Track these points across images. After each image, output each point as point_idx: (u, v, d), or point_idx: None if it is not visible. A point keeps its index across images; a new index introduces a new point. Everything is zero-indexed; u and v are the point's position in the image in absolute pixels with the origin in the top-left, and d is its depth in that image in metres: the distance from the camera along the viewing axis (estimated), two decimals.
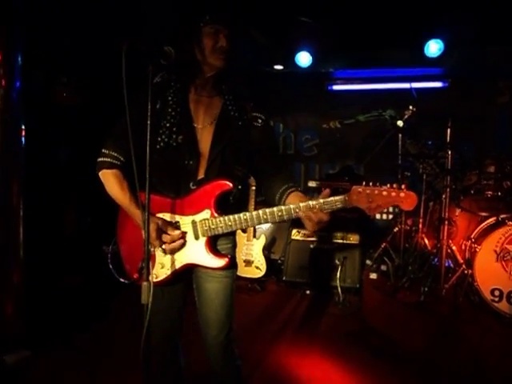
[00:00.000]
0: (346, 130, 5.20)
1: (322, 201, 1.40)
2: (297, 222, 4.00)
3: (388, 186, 1.37)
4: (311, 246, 4.12)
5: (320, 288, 3.93)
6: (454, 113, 3.63)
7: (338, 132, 5.26)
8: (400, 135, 4.01)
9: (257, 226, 4.08)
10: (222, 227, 1.51)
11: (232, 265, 1.58)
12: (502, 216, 3.10)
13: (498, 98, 4.69)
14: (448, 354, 2.75)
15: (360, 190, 1.35)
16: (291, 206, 1.43)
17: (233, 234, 1.61)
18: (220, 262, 1.54)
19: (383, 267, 3.92)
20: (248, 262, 4.06)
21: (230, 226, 1.50)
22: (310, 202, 1.41)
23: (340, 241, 4.04)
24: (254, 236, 4.10)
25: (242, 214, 1.49)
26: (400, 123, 3.94)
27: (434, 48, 4.20)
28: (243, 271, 3.99)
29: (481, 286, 2.96)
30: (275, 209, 1.45)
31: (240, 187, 1.59)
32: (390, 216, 4.77)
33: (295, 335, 3.09)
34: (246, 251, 4.09)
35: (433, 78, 4.82)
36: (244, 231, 4.06)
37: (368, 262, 4.03)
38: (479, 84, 4.68)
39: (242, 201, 1.63)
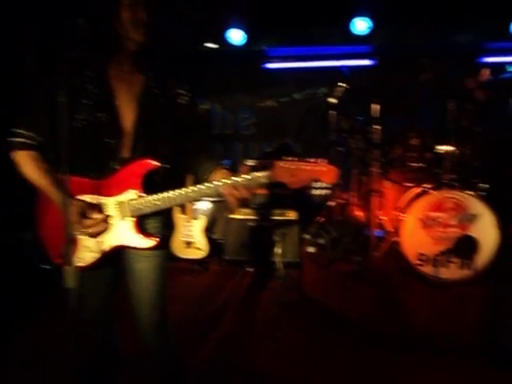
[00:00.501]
0: (283, 109, 5.28)
1: (246, 177, 1.42)
2: None
3: (312, 160, 1.42)
4: (251, 224, 4.18)
5: (261, 264, 4.01)
6: (382, 89, 3.78)
7: (274, 110, 5.33)
8: (333, 112, 4.13)
9: (197, 207, 4.06)
10: (149, 207, 1.49)
11: (162, 245, 1.57)
12: (426, 186, 3.30)
13: (422, 76, 4.93)
14: (382, 317, 2.92)
15: (282, 165, 1.39)
16: (216, 183, 1.44)
17: (162, 213, 1.60)
18: (149, 242, 1.53)
19: (320, 241, 4.07)
20: (188, 244, 4.04)
21: (157, 205, 1.49)
22: (235, 179, 1.43)
23: (279, 217, 4.13)
24: (194, 217, 4.09)
25: (168, 193, 1.48)
26: (332, 100, 4.05)
27: (362, 26, 4.33)
28: (184, 252, 3.98)
29: (408, 252, 3.16)
30: (200, 186, 1.46)
31: (167, 166, 1.57)
32: (326, 191, 4.94)
33: (238, 311, 3.15)
34: (186, 232, 4.07)
35: (362, 56, 4.98)
36: (183, 212, 4.03)
37: (306, 236, 4.16)
38: (405, 62, 4.89)
39: (171, 179, 1.62)
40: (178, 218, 3.94)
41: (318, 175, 1.39)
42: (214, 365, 2.43)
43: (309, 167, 1.39)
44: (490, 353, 2.52)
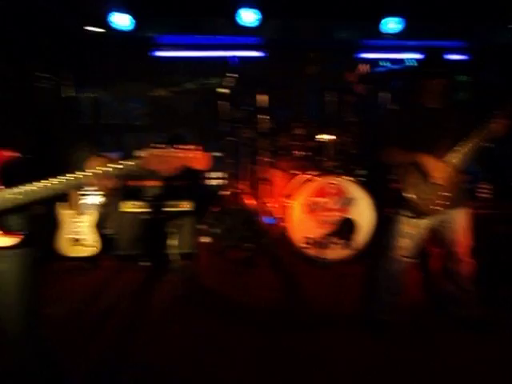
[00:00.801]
0: (174, 98, 5.18)
1: (117, 166, 1.37)
2: (128, 195, 3.89)
3: (186, 147, 1.41)
4: (144, 217, 4.05)
5: (156, 258, 3.93)
6: (271, 81, 3.90)
7: (166, 100, 5.21)
8: (223, 102, 4.16)
9: (85, 202, 3.83)
10: (9, 201, 1.36)
11: (27, 242, 1.45)
12: (310, 173, 3.49)
13: (308, 69, 5.19)
14: (276, 298, 3.04)
15: (153, 152, 1.36)
16: (83, 173, 1.37)
17: (25, 208, 1.47)
18: (11, 240, 1.40)
19: (215, 230, 4.10)
20: (76, 241, 3.81)
21: (19, 199, 1.36)
22: (106, 168, 1.37)
23: (173, 209, 4.07)
24: (82, 212, 3.85)
25: (31, 185, 1.36)
26: (222, 90, 4.08)
27: (250, 17, 4.41)
28: (72, 250, 3.74)
29: (295, 236, 3.32)
30: (67, 176, 1.37)
31: (28, 155, 1.44)
32: (220, 181, 4.99)
33: (132, 307, 3.04)
34: (74, 229, 3.82)
35: (252, 48, 5.08)
36: (70, 208, 3.78)
37: (201, 226, 4.16)
38: (293, 55, 5.11)
39: (36, 171, 1.49)
40: (64, 213, 3.69)
41: (190, 162, 1.39)
42: (106, 363, 2.33)
43: (181, 154, 1.38)
44: (367, 323, 2.77)
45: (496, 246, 3.52)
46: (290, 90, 4.45)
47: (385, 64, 4.98)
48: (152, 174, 1.41)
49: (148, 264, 3.86)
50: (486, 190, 3.60)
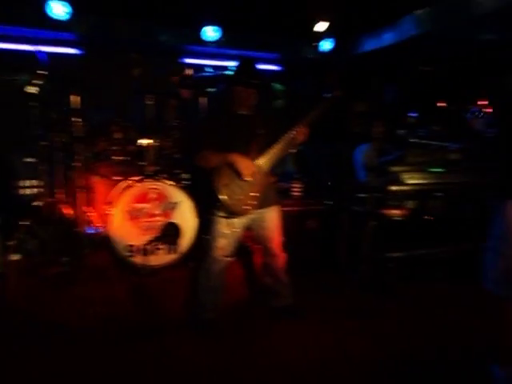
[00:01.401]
0: None
1: None
2: None
3: None
4: None
5: None
6: (87, 81, 3.64)
7: None
8: (34, 103, 3.73)
9: None
10: None
11: None
12: (131, 178, 3.37)
13: (132, 71, 5.04)
14: (95, 314, 2.87)
15: None
16: None
17: None
18: None
19: (27, 246, 3.65)
20: None
21: None
22: None
23: None
24: None
25: None
26: (31, 89, 3.65)
27: (59, 10, 4.06)
28: None
29: (118, 245, 3.17)
30: None
31: None
32: (33, 190, 4.47)
33: None
34: None
35: (66, 43, 4.70)
36: None
37: (10, 242, 3.67)
38: (114, 55, 4.88)
39: None
40: None
41: None
42: None
43: None
44: (193, 323, 2.80)
45: (306, 239, 3.94)
46: (109, 92, 4.23)
47: (208, 70, 5.14)
48: None
49: None
50: (298, 189, 3.99)
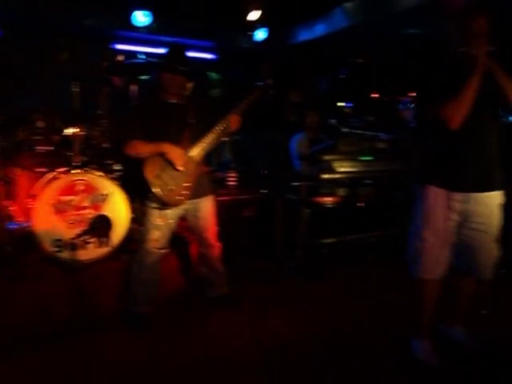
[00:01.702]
0: None
1: None
2: None
3: None
4: None
5: None
6: (9, 65, 3.39)
7: None
8: None
9: None
10: None
11: None
12: (56, 170, 3.19)
13: (58, 55, 4.77)
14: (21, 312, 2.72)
15: None
16: None
17: None
18: None
19: None
20: None
21: None
22: None
23: None
24: None
25: None
26: None
27: None
28: None
29: (43, 240, 2.99)
30: None
31: None
32: None
33: None
34: None
35: None
36: None
37: None
38: (40, 38, 4.59)
39: None
40: None
41: None
42: None
43: None
44: (126, 318, 2.73)
45: (242, 228, 3.97)
46: (33, 78, 3.97)
47: (141, 57, 4.97)
48: None
49: None
50: (233, 178, 3.99)
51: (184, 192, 2.63)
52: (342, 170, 3.72)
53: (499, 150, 2.22)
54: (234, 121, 2.70)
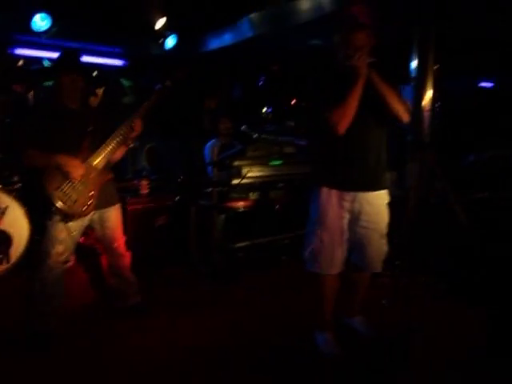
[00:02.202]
0: None
1: None
2: None
3: None
4: None
5: None
6: None
7: None
8: None
9: None
10: None
11: None
12: None
13: None
14: None
15: None
16: None
17: None
18: None
19: None
20: None
21: None
22: None
23: None
24: None
25: None
26: None
27: None
28: None
29: None
30: None
31: None
32: None
33: None
34: None
35: None
36: None
37: None
38: None
39: None
40: None
41: None
42: None
43: None
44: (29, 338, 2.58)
45: (157, 235, 3.94)
46: None
47: (46, 63, 4.75)
48: None
49: None
50: (146, 186, 3.95)
51: (89, 202, 2.56)
52: (252, 174, 3.82)
53: (385, 152, 2.43)
54: (135, 125, 2.67)
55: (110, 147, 2.63)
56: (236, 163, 3.74)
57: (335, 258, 2.44)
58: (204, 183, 4.01)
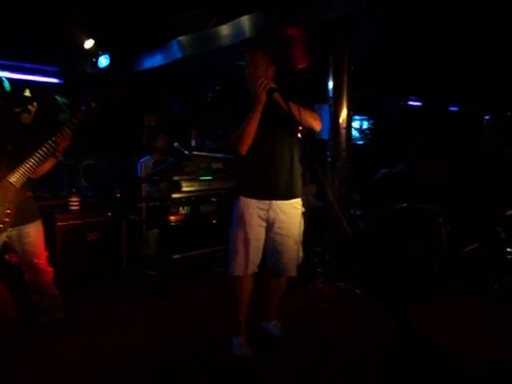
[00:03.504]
0: None
1: None
2: None
3: None
4: None
5: None
6: None
7: None
8: None
9: None
10: None
11: None
12: None
13: None
14: None
15: None
16: None
17: None
18: None
19: None
20: None
21: None
22: None
23: None
24: None
25: None
26: None
27: None
28: None
29: None
30: None
31: None
32: None
33: None
34: None
35: None
36: None
37: None
38: None
39: None
40: None
41: None
42: None
43: None
44: None
45: (88, 251, 3.98)
46: None
47: None
48: None
49: None
50: (75, 203, 3.99)
51: (5, 219, 2.62)
52: (183, 189, 3.97)
53: (298, 164, 2.66)
54: (60, 141, 2.74)
55: (29, 165, 2.68)
56: (168, 178, 3.88)
57: (249, 262, 2.63)
58: (135, 199, 4.11)
